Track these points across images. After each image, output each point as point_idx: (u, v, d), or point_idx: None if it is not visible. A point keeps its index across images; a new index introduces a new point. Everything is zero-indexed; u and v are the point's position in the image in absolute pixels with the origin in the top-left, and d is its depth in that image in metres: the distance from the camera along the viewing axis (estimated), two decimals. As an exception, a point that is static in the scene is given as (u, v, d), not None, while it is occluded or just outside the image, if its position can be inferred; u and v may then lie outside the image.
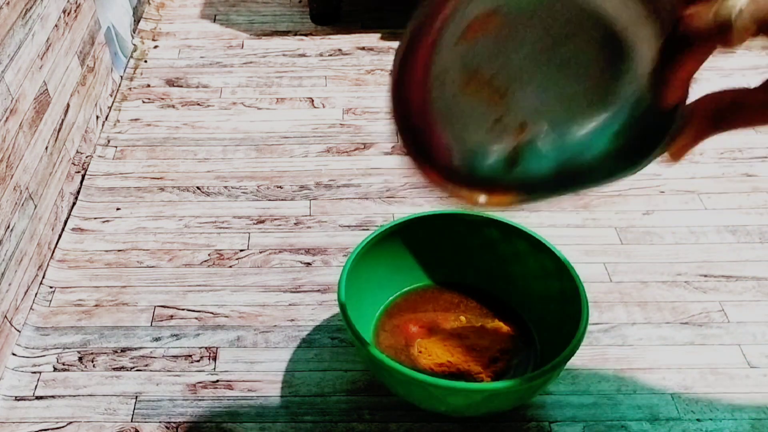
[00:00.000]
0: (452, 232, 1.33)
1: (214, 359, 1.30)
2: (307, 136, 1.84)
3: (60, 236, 1.54)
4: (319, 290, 1.43)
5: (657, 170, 1.66)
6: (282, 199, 1.64)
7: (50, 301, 1.40)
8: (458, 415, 1.17)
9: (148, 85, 2.04)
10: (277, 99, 1.99)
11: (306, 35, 2.28)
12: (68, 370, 1.27)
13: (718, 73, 2.03)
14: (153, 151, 1.79)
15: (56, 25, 1.57)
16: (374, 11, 2.37)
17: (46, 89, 1.50)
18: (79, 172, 1.68)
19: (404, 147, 0.65)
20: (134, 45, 2.20)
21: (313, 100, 1.98)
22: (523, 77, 0.64)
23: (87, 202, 1.64)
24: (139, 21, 2.31)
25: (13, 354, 1.29)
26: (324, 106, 1.95)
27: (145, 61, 2.15)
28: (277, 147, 1.80)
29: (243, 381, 1.26)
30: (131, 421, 1.19)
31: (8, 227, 1.29)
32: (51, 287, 1.43)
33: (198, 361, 1.29)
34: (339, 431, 1.19)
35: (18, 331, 1.32)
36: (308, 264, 1.48)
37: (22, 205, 1.35)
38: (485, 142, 0.67)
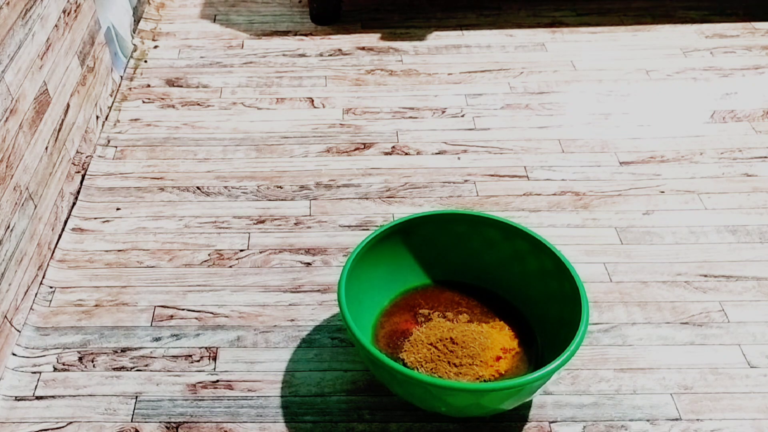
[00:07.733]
0: (452, 232, 1.33)
1: (214, 359, 1.30)
2: (307, 136, 1.84)
3: (60, 236, 1.54)
4: (319, 290, 1.43)
5: (657, 170, 1.66)
6: (282, 199, 1.64)
7: (50, 301, 1.40)
8: (458, 415, 1.17)
9: (148, 85, 2.04)
10: (277, 99, 1.99)
11: (306, 35, 2.28)
12: (68, 370, 1.28)
13: (717, 73, 2.03)
14: (153, 151, 1.79)
15: (56, 25, 1.57)
16: (374, 11, 2.37)
17: (46, 89, 1.50)
18: (79, 172, 1.68)
19: None
20: (134, 45, 2.20)
21: (313, 100, 1.98)
22: None
23: (87, 202, 1.64)
24: (139, 21, 2.31)
25: (13, 354, 1.29)
26: (324, 106, 1.95)
27: (145, 61, 2.15)
28: (277, 147, 1.80)
29: (243, 381, 1.26)
30: (131, 421, 1.19)
31: (8, 227, 1.29)
32: (51, 287, 1.43)
33: (198, 361, 1.30)
34: (339, 431, 1.19)
35: (18, 331, 1.32)
36: (308, 264, 1.48)
37: (22, 205, 1.35)
38: None
